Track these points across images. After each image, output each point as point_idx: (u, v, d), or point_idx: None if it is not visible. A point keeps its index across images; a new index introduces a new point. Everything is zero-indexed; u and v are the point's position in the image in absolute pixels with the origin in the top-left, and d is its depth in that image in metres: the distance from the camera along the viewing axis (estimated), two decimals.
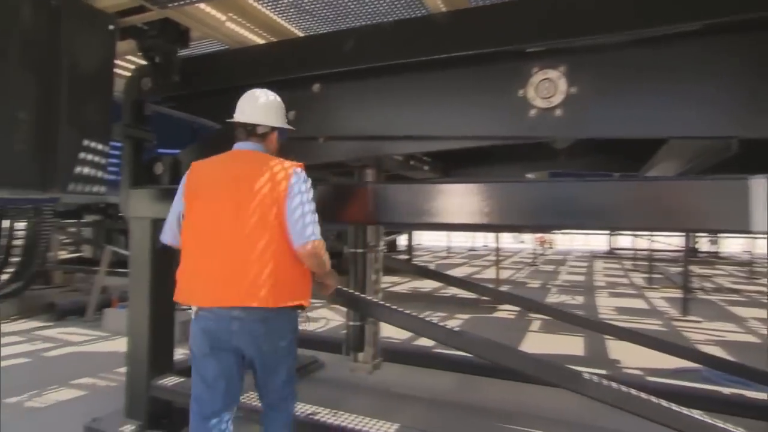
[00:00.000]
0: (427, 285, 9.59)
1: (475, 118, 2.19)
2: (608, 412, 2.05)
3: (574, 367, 2.11)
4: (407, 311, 2.34)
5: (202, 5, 2.45)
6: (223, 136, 2.10)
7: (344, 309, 3.23)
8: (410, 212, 2.19)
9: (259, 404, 2.07)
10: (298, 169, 1.90)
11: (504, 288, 9.46)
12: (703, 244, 18.38)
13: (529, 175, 3.83)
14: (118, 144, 2.95)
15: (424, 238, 24.14)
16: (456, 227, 4.86)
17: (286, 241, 1.81)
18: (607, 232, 17.91)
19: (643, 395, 1.85)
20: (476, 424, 3.30)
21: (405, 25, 2.27)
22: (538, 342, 5.56)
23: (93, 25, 2.32)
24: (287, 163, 1.90)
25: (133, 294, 2.96)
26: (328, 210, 2.40)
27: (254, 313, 1.78)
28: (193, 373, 1.89)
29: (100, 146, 2.34)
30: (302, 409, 2.56)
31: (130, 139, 2.95)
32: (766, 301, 8.06)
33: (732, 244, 20.15)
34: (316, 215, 1.87)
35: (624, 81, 1.89)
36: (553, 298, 8.91)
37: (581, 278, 12.44)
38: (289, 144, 2.34)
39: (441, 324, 2.34)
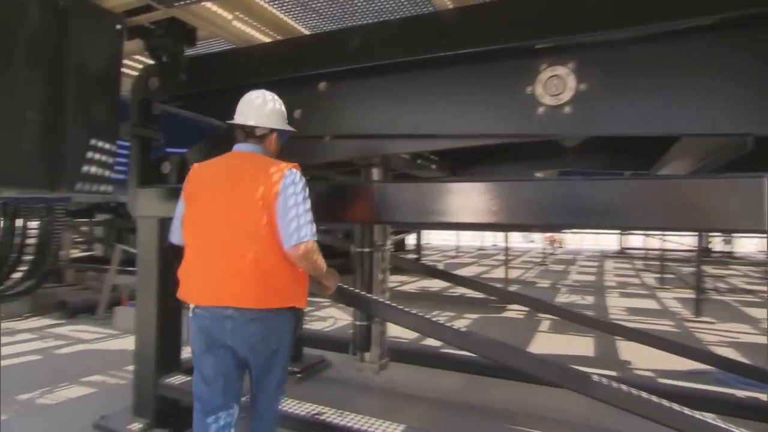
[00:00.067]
0: (436, 284, 9.55)
1: (482, 116, 2.16)
2: (616, 414, 2.01)
3: (581, 369, 2.08)
4: (412, 311, 2.32)
5: (208, 4, 2.46)
6: (229, 135, 2.11)
7: (352, 308, 3.23)
8: (417, 211, 2.17)
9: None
10: (293, 170, 1.87)
11: (513, 288, 9.40)
12: (717, 243, 18.11)
13: (538, 174, 3.78)
14: (126, 143, 2.97)
15: (433, 238, 24.08)
16: (464, 227, 4.82)
17: (277, 243, 1.81)
18: (618, 231, 17.72)
19: (653, 398, 1.82)
20: (483, 425, 3.27)
21: (412, 22, 2.25)
22: (548, 342, 5.51)
23: (100, 25, 2.33)
24: (282, 165, 1.89)
25: (141, 293, 2.98)
26: (334, 209, 2.40)
27: (247, 314, 1.80)
28: (194, 370, 1.93)
29: (107, 146, 2.35)
30: (308, 408, 2.56)
31: (137, 139, 2.96)
32: None
33: (747, 244, 19.82)
34: (310, 217, 1.84)
35: (634, 77, 1.85)
36: (562, 298, 8.83)
37: (591, 278, 12.31)
38: (295, 143, 2.33)
39: (446, 324, 2.32)
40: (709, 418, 1.74)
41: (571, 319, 4.04)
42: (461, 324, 6.35)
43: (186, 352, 3.26)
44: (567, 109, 1.93)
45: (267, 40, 2.77)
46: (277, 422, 2.08)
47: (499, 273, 11.86)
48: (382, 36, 2.28)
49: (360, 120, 2.44)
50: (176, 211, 2.05)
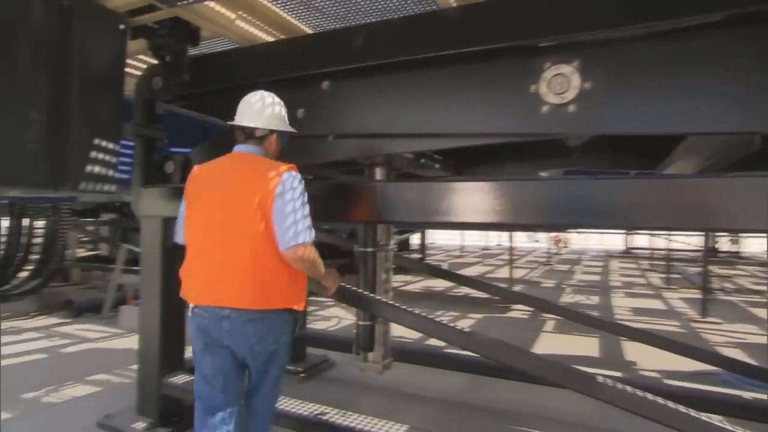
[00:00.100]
0: (440, 284, 9.53)
1: (486, 115, 2.14)
2: (621, 415, 2.00)
3: (584, 369, 2.06)
4: (415, 310, 2.31)
5: (211, 4, 2.45)
6: (232, 135, 2.11)
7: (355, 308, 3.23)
8: (420, 211, 2.16)
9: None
10: (291, 172, 1.86)
11: (518, 287, 9.37)
12: (724, 243, 17.97)
13: (543, 174, 3.76)
14: (130, 143, 2.98)
15: (438, 237, 24.04)
16: (468, 226, 4.81)
17: (274, 244, 1.80)
18: (623, 231, 17.62)
19: (658, 399, 1.80)
20: (487, 426, 3.26)
21: (415, 21, 2.23)
22: (552, 343, 5.48)
23: (104, 25, 2.33)
24: (280, 167, 1.88)
25: (145, 292, 2.98)
26: (337, 209, 2.40)
27: (244, 314, 1.80)
28: (195, 368, 1.94)
29: (110, 145, 2.35)
30: (311, 408, 2.56)
31: (141, 138, 2.97)
32: None
33: (753, 244, 19.63)
34: (308, 220, 1.83)
35: (640, 75, 1.83)
36: (567, 298, 8.79)
37: (596, 278, 12.25)
38: (298, 143, 2.33)
39: (448, 324, 2.31)
40: (715, 420, 1.72)
41: (575, 320, 4.01)
42: (465, 324, 6.34)
43: (189, 352, 3.27)
44: (571, 108, 1.91)
45: (270, 39, 2.77)
46: (272, 420, 2.08)
47: (503, 273, 11.82)
48: (385, 35, 2.26)
49: (363, 119, 2.43)
50: (180, 211, 2.06)
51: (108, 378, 4.03)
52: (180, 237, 2.07)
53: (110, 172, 2.38)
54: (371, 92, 2.38)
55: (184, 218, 2.00)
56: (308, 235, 1.80)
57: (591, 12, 1.81)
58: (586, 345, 5.34)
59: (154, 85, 2.92)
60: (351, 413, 2.52)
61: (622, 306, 8.07)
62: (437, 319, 2.32)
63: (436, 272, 5.56)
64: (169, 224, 2.85)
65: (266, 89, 2.11)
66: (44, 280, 6.62)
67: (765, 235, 9.43)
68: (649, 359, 4.54)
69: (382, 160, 3.07)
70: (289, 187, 1.82)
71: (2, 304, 6.18)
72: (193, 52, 2.86)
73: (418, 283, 10.06)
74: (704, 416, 1.73)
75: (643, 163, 3.22)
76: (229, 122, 2.04)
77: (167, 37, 2.68)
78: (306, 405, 2.61)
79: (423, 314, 2.30)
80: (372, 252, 3.15)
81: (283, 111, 2.08)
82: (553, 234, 20.00)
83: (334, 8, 2.48)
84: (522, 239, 24.59)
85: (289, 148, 2.16)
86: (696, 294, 8.12)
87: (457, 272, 5.82)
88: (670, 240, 11.84)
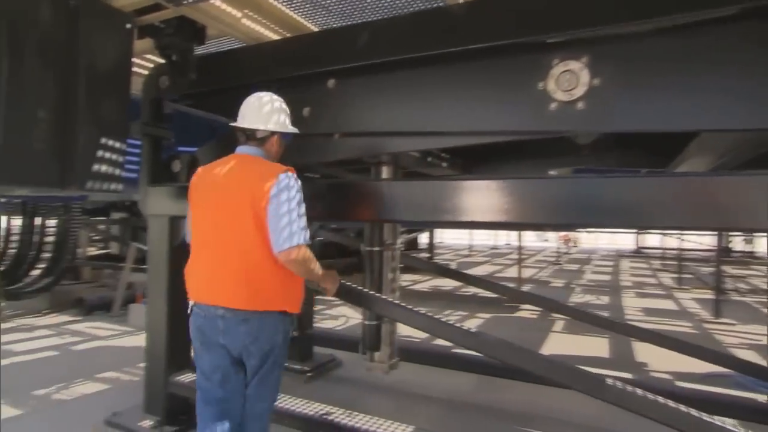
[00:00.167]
0: (449, 283, 9.49)
1: (493, 113, 2.11)
2: (630, 417, 1.96)
3: (592, 371, 2.03)
4: (421, 310, 2.29)
5: (217, 2, 2.45)
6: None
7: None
8: (427, 210, 2.14)
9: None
10: (287, 173, 1.85)
11: (527, 287, 9.30)
12: (737, 243, 17.68)
13: (552, 172, 3.72)
14: (137, 142, 2.99)
15: (446, 236, 23.98)
16: (476, 225, 4.77)
17: (267, 245, 1.80)
18: (634, 230, 17.42)
19: (669, 402, 1.76)
20: (493, 427, 3.23)
21: (421, 18, 2.21)
22: (561, 343, 5.43)
23: (110, 24, 2.34)
24: (277, 168, 1.87)
25: (152, 291, 2.99)
26: (343, 208, 2.38)
27: (239, 314, 1.82)
28: (195, 363, 1.99)
29: (117, 144, 2.37)
30: (316, 408, 2.55)
31: (148, 137, 2.98)
32: None
33: None
34: (304, 222, 1.82)
35: (651, 71, 1.79)
36: (577, 298, 8.70)
37: (607, 278, 12.13)
38: (304, 142, 2.32)
39: (455, 324, 2.29)
40: (729, 423, 1.68)
41: (584, 320, 3.96)
42: (473, 323, 6.30)
43: None
44: (580, 105, 1.88)
45: (276, 37, 2.76)
46: (271, 420, 2.07)
47: (512, 272, 11.75)
48: (391, 32, 2.24)
49: (369, 117, 2.41)
50: (188, 210, 2.08)
51: (117, 375, 4.07)
52: (188, 236, 2.08)
53: (117, 171, 2.39)
54: (377, 90, 2.36)
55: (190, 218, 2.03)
56: (303, 237, 1.78)
57: (599, 7, 1.78)
58: (596, 346, 5.28)
59: (161, 84, 2.93)
60: (356, 413, 2.51)
61: (632, 306, 7.98)
62: (443, 319, 2.30)
63: (444, 271, 5.54)
64: (175, 223, 2.86)
65: (272, 88, 2.10)
66: (56, 278, 6.72)
67: None
68: (660, 361, 4.48)
69: (388, 158, 3.05)
70: (284, 189, 1.81)
71: (15, 302, 6.28)
72: (199, 51, 2.86)
73: (426, 283, 10.04)
74: (717, 419, 1.69)
75: (653, 162, 3.17)
76: (230, 124, 2.04)
77: (174, 36, 2.69)
78: (311, 405, 2.61)
79: (428, 314, 2.28)
80: (378, 251, 3.14)
81: (285, 111, 2.06)
82: (563, 233, 19.85)
83: (341, 6, 2.47)
84: (531, 238, 24.41)
85: (295, 147, 2.15)
86: (709, 294, 8.01)
87: (466, 272, 5.79)
88: (682, 239, 11.68)
